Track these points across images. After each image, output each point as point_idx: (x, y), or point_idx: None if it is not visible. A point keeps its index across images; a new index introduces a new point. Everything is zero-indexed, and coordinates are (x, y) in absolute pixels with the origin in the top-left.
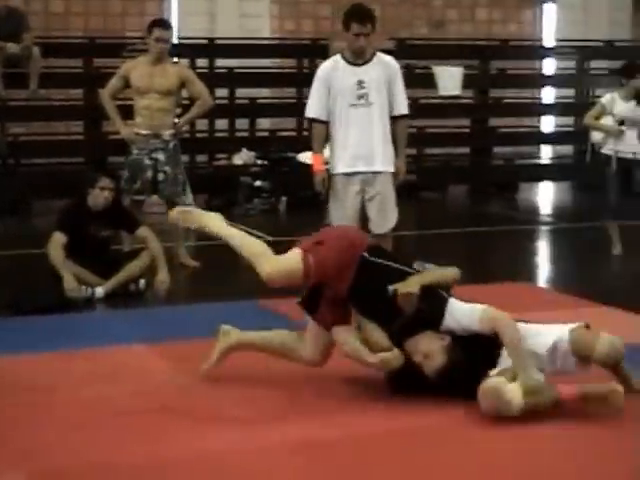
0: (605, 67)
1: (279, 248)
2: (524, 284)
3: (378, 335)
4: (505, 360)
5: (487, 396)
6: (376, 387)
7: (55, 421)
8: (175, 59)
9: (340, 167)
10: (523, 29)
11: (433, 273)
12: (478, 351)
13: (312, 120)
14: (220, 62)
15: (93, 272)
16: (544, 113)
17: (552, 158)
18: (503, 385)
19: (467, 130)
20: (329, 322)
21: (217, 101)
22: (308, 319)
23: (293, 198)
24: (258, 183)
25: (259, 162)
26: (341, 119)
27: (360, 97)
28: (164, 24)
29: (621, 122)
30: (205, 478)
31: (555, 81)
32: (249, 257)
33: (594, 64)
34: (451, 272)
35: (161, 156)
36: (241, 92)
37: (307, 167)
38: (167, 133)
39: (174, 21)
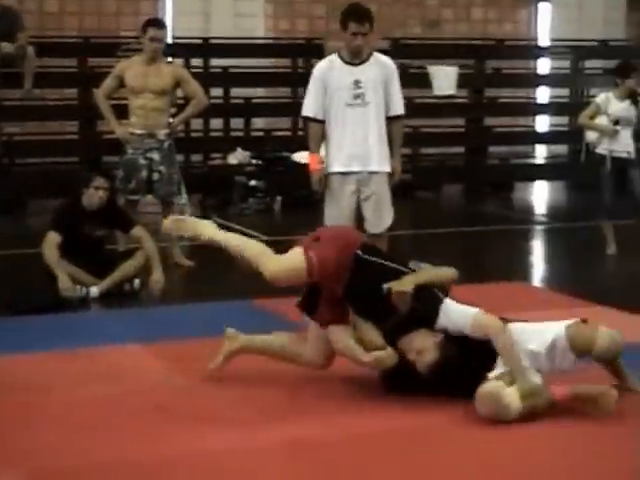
0: (600, 67)
1: (276, 248)
2: (519, 284)
3: (372, 334)
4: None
5: (485, 401)
6: (373, 386)
7: (51, 421)
8: (170, 59)
9: (336, 167)
10: (518, 29)
11: (428, 272)
12: (475, 348)
13: (308, 119)
14: (215, 62)
15: (88, 272)
16: (539, 113)
17: (547, 158)
18: (501, 389)
19: (462, 130)
20: (328, 322)
21: (212, 101)
22: (309, 321)
23: (288, 198)
24: (253, 183)
25: (254, 162)
26: (337, 118)
27: (356, 97)
28: (158, 23)
29: (616, 122)
30: (202, 478)
31: (550, 81)
32: (251, 258)
33: (589, 64)
34: (448, 272)
35: (156, 156)
36: (236, 92)
37: (302, 167)
38: (162, 133)
39: (168, 21)
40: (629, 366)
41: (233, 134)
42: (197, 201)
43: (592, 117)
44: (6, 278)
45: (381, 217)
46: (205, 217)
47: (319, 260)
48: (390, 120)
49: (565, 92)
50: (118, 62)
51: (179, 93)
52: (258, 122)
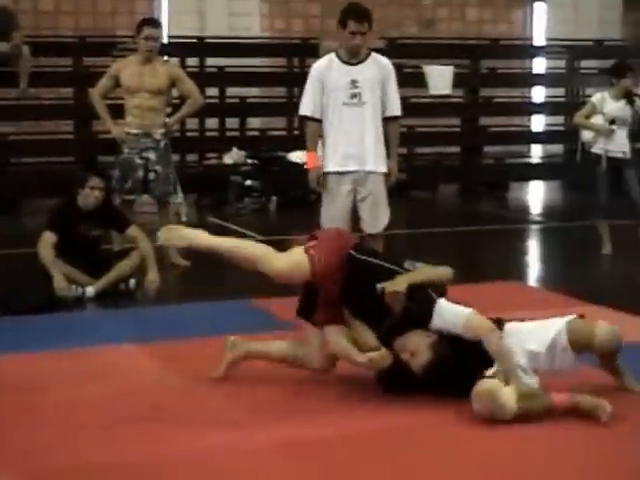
0: (595, 66)
1: (273, 248)
2: (514, 283)
3: (367, 335)
4: None
5: (481, 398)
6: (369, 386)
7: (47, 421)
8: (165, 58)
9: (332, 166)
10: (513, 28)
11: (423, 272)
12: (470, 348)
13: (306, 118)
14: (210, 61)
15: (83, 271)
16: (534, 112)
17: (542, 157)
18: (498, 388)
19: (457, 129)
20: (323, 322)
21: (207, 100)
22: (308, 326)
23: (283, 197)
24: (248, 182)
25: (249, 161)
26: (334, 118)
27: (353, 96)
28: (153, 22)
29: (612, 121)
30: (198, 478)
31: (545, 80)
32: (252, 257)
33: (584, 63)
34: (443, 272)
35: (152, 155)
36: (231, 91)
37: (298, 166)
38: (158, 132)
39: (164, 20)
40: (626, 365)
41: (228, 134)
42: (193, 201)
43: (588, 117)
44: (1, 278)
45: (377, 217)
46: (201, 217)
47: (320, 259)
48: (387, 121)
49: (560, 92)
50: (114, 61)
51: (175, 93)
52: (254, 122)
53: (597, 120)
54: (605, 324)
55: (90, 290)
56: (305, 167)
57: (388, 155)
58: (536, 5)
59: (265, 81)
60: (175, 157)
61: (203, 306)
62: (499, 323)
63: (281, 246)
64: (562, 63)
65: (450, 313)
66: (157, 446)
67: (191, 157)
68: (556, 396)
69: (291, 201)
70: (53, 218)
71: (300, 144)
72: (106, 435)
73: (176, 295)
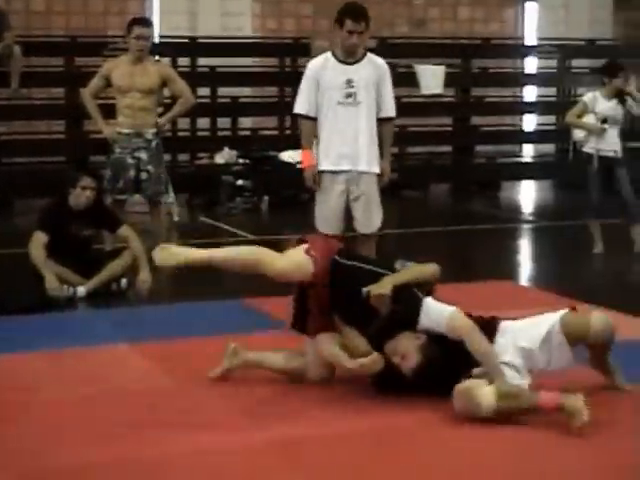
0: (586, 66)
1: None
2: (506, 282)
3: (357, 340)
4: (501, 354)
5: (458, 397)
6: (363, 387)
7: (39, 421)
8: (156, 58)
9: (325, 165)
10: (505, 28)
11: (407, 272)
12: (459, 347)
13: (301, 116)
14: (202, 61)
15: (75, 271)
16: (526, 112)
17: (534, 156)
18: (476, 387)
19: (449, 129)
20: (316, 331)
21: (199, 100)
22: (305, 339)
23: (275, 197)
24: (240, 182)
25: (241, 161)
26: (328, 116)
27: (348, 95)
28: (144, 22)
29: (603, 120)
30: (193, 478)
31: (537, 80)
32: (251, 261)
33: (575, 63)
34: (428, 269)
35: (144, 155)
36: (223, 91)
37: (289, 166)
38: (149, 132)
39: (155, 20)
40: (616, 364)
41: (220, 133)
42: (184, 201)
43: (580, 116)
44: None
45: (371, 218)
46: (192, 217)
47: (317, 261)
48: (381, 121)
49: (552, 91)
50: (105, 61)
51: (166, 92)
52: (245, 121)
53: (589, 119)
54: (599, 313)
55: (82, 290)
56: (300, 165)
57: (381, 155)
58: (527, 4)
59: (257, 81)
60: (166, 157)
61: (196, 306)
62: (493, 322)
63: (273, 246)
64: (554, 62)
65: (436, 312)
66: (152, 446)
67: (183, 157)
68: (543, 396)
69: (283, 201)
70: (44, 218)
71: (292, 144)
72: (99, 435)
73: (168, 295)
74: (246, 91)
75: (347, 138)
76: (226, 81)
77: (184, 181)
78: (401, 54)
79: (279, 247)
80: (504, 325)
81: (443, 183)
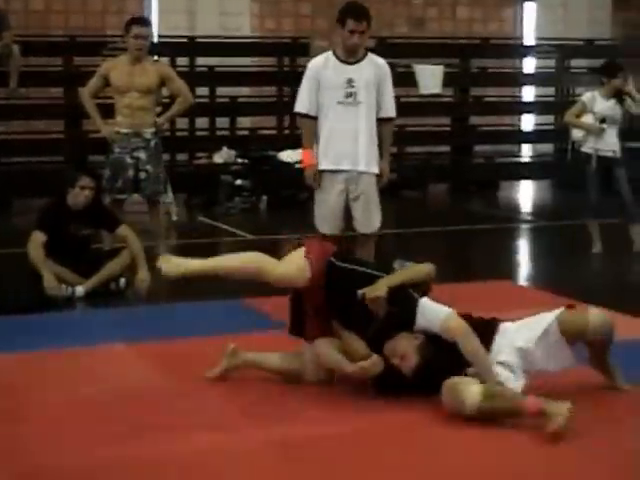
0: (585, 66)
1: (262, 247)
2: (505, 282)
3: (356, 343)
4: (498, 354)
5: (446, 392)
6: (361, 387)
7: (36, 421)
8: (155, 57)
9: (325, 164)
10: (503, 28)
11: (402, 273)
12: (457, 347)
13: (301, 115)
14: (200, 60)
15: (73, 271)
16: (524, 111)
17: (532, 156)
18: (464, 384)
19: (448, 128)
20: (314, 336)
21: (197, 100)
22: (303, 342)
23: (274, 197)
24: (239, 182)
25: (239, 161)
26: (328, 116)
27: (348, 95)
28: (142, 21)
29: (602, 120)
30: (190, 477)
31: (535, 79)
32: (253, 269)
33: (574, 63)
34: (423, 269)
35: (142, 155)
36: (221, 90)
37: (288, 166)
38: (148, 132)
39: (154, 19)
40: (616, 364)
41: (219, 133)
42: (183, 200)
43: (578, 115)
44: None
45: (370, 217)
46: (191, 216)
47: (313, 263)
48: (381, 122)
49: (551, 91)
50: (104, 61)
51: (164, 92)
52: (244, 121)
53: (587, 119)
54: (597, 310)
55: (80, 290)
56: (301, 165)
57: (380, 156)
58: (526, 4)
59: (255, 80)
60: (165, 156)
61: (195, 306)
62: (494, 323)
63: (272, 246)
64: (552, 62)
65: (432, 312)
66: (150, 446)
67: (181, 156)
68: (528, 400)
69: (281, 200)
70: (43, 218)
71: (290, 143)
72: (98, 435)
73: (166, 295)
74: (245, 91)
75: (347, 138)
76: (225, 81)
77: (183, 181)
78: (400, 54)
79: (278, 248)
80: (504, 326)
81: (441, 183)
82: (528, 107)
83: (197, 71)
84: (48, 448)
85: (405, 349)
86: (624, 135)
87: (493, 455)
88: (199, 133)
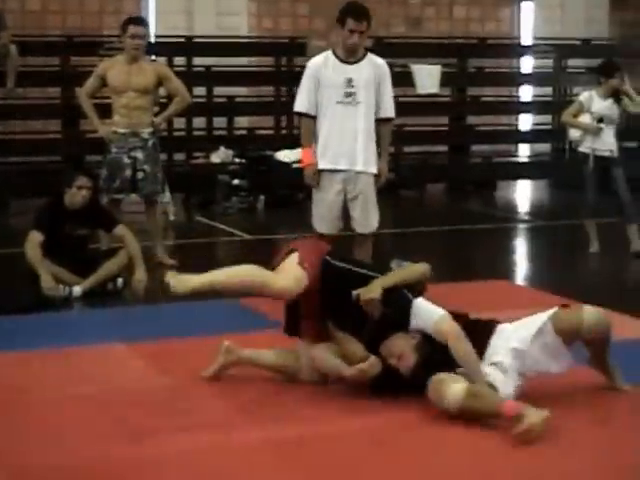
0: (582, 65)
1: (260, 248)
2: (502, 282)
3: (353, 346)
4: (492, 355)
5: (431, 388)
6: (358, 386)
7: (33, 420)
8: (152, 57)
9: (323, 163)
10: (501, 27)
11: (396, 274)
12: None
13: (300, 115)
14: (198, 60)
15: (71, 271)
16: (522, 111)
17: (530, 156)
18: (449, 381)
19: (445, 128)
20: (311, 339)
21: (195, 99)
22: (299, 341)
23: (271, 196)
24: (236, 181)
25: (237, 160)
26: (327, 115)
27: (348, 95)
28: (139, 21)
29: (599, 120)
30: (188, 477)
31: (533, 79)
32: (250, 282)
33: (571, 62)
34: (418, 269)
35: (140, 155)
36: (219, 90)
37: (285, 165)
38: (145, 131)
39: (151, 19)
40: (615, 364)
41: (216, 133)
42: (180, 200)
43: (575, 115)
44: None
45: (368, 217)
46: (188, 216)
47: (309, 272)
48: (380, 122)
49: (548, 91)
50: (101, 61)
51: (162, 91)
52: (241, 121)
53: (585, 119)
54: (591, 308)
55: (77, 289)
56: (300, 164)
57: (379, 155)
58: (523, 4)
59: (253, 80)
60: (162, 156)
61: (192, 306)
62: (491, 324)
63: (270, 246)
64: (549, 62)
65: (425, 314)
66: (148, 445)
67: (179, 156)
68: (507, 403)
69: (279, 200)
70: (40, 218)
71: (288, 143)
72: (94, 435)
73: (164, 294)
74: (242, 91)
75: (345, 137)
76: (222, 80)
77: (180, 180)
78: (397, 54)
79: (275, 248)
80: (501, 327)
81: (439, 183)
82: (525, 107)
83: (194, 71)
84: (46, 446)
85: (402, 349)
86: (621, 135)
87: (492, 455)
88: (196, 133)
